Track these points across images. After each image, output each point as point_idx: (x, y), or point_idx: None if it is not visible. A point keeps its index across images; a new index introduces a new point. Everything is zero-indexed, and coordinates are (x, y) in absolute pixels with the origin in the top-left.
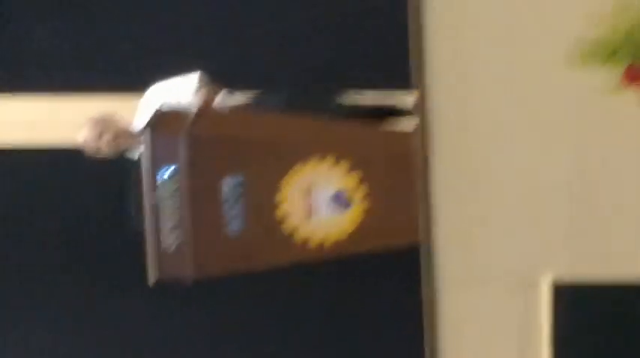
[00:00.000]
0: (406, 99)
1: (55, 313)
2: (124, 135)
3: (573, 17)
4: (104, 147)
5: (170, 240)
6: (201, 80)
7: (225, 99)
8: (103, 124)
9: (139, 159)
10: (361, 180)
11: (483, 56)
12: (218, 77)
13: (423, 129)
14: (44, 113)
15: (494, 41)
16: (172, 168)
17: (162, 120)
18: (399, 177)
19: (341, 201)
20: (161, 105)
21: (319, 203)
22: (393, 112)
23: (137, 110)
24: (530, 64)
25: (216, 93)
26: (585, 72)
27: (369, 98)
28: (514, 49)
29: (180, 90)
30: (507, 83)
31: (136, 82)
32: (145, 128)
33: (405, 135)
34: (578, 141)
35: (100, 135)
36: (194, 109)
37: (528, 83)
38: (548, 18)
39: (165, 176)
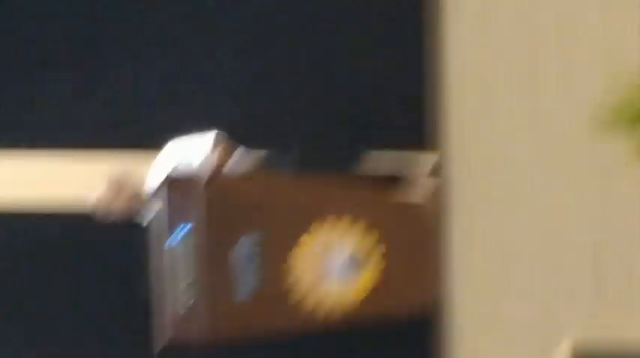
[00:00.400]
0: (424, 159)
1: None
2: (139, 195)
3: (597, 82)
4: (119, 207)
5: (183, 301)
6: (217, 139)
7: (240, 158)
8: (120, 184)
9: (151, 223)
10: (378, 241)
11: (505, 120)
12: (233, 135)
13: (443, 191)
14: (55, 171)
15: (516, 105)
16: (187, 227)
17: (179, 180)
18: (415, 238)
19: (356, 263)
20: (178, 165)
21: (333, 267)
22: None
23: (153, 168)
24: (552, 127)
25: (231, 152)
26: (609, 137)
27: (385, 158)
28: (536, 114)
29: (197, 150)
30: (528, 145)
31: (149, 140)
32: (161, 187)
33: (420, 196)
34: (601, 207)
35: (117, 195)
36: (210, 170)
37: (550, 146)
38: (571, 81)
39: (180, 237)
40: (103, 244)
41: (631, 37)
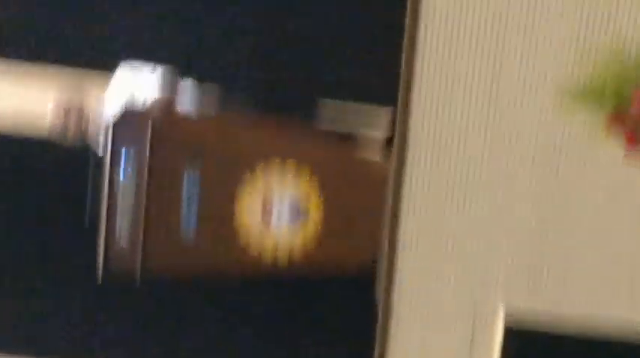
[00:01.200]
0: (381, 115)
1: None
2: (88, 119)
3: (561, 60)
4: (69, 130)
5: (123, 234)
6: (168, 74)
7: (191, 92)
8: (71, 106)
9: (98, 152)
10: (319, 189)
11: (469, 89)
12: (187, 67)
13: (398, 148)
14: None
15: (482, 75)
16: (132, 159)
17: (126, 112)
18: (360, 193)
19: (297, 211)
20: (126, 97)
21: (277, 211)
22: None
23: (105, 93)
24: (514, 102)
25: (179, 88)
26: (569, 114)
27: (342, 109)
28: (500, 86)
29: (147, 82)
30: (490, 116)
31: (101, 61)
32: (109, 119)
33: (373, 153)
34: (555, 181)
35: (67, 117)
36: (157, 103)
37: (511, 120)
38: (537, 57)
39: (123, 169)
40: (53, 167)
41: (602, 12)
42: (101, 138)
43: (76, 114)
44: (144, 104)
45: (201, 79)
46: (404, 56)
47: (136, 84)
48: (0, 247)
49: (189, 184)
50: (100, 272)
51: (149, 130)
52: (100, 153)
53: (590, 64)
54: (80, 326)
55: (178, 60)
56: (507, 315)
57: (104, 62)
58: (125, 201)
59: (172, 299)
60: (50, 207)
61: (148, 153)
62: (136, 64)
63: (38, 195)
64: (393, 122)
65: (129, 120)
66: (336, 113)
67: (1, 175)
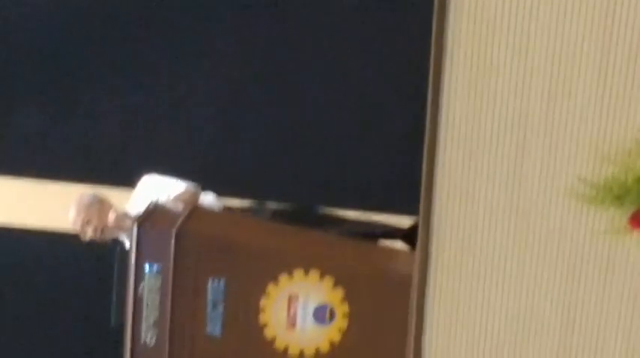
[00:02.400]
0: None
1: None
2: (107, 230)
3: (585, 156)
4: (90, 234)
5: (149, 335)
6: (191, 184)
7: (213, 204)
8: (91, 210)
9: (126, 251)
10: (343, 299)
11: (490, 190)
12: (210, 183)
13: (422, 257)
14: (35, 197)
15: (502, 175)
16: (155, 267)
17: (153, 216)
18: (385, 298)
19: (323, 315)
20: (153, 201)
21: (302, 314)
22: (387, 235)
23: (130, 199)
24: (535, 198)
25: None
26: (591, 212)
27: (366, 221)
28: (520, 182)
29: (170, 191)
30: (511, 215)
31: (127, 178)
32: (135, 221)
33: (396, 258)
34: (574, 280)
35: (87, 222)
36: (185, 208)
37: (531, 217)
38: (558, 157)
39: (151, 271)
40: (82, 267)
41: (625, 109)
42: (128, 236)
43: (95, 216)
44: (166, 218)
45: (221, 191)
46: (424, 165)
47: (158, 193)
48: (26, 343)
49: (213, 291)
50: None
51: (172, 244)
52: (121, 258)
53: (613, 162)
54: None
55: (200, 174)
56: None
57: (125, 177)
58: (150, 311)
59: None
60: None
61: (172, 267)
62: (158, 177)
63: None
64: (413, 231)
65: (151, 234)
66: (361, 223)
67: (26, 272)
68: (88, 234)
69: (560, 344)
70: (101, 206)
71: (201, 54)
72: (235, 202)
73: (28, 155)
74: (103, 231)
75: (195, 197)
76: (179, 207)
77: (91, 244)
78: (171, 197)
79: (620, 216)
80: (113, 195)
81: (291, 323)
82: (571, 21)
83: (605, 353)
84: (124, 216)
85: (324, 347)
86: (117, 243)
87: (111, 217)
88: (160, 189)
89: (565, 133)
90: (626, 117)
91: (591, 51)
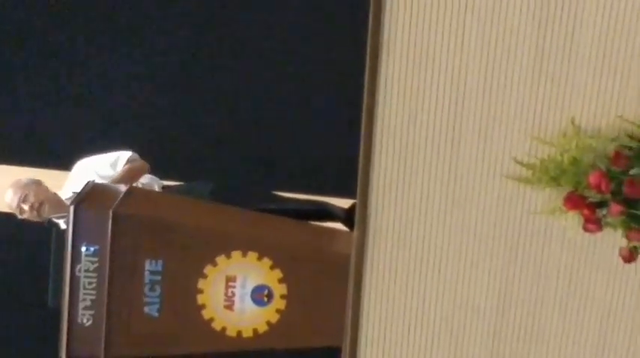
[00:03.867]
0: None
1: None
2: (48, 202)
3: (521, 138)
4: (27, 212)
5: (86, 316)
6: (129, 160)
7: (152, 185)
8: (25, 193)
9: (64, 231)
10: (281, 280)
11: (427, 172)
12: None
13: (359, 238)
14: None
15: (439, 157)
16: (91, 248)
17: (90, 197)
18: (323, 279)
19: (261, 296)
20: (90, 181)
21: (240, 295)
22: (324, 215)
23: (67, 182)
24: (471, 180)
25: (142, 173)
26: (528, 193)
27: (302, 199)
28: (457, 165)
29: (107, 170)
30: (447, 198)
31: (61, 162)
32: (72, 201)
33: (334, 238)
34: (510, 261)
35: (23, 199)
36: (122, 188)
37: (468, 199)
38: (494, 138)
39: (88, 252)
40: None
41: (561, 94)
42: (64, 217)
43: (33, 193)
44: (103, 198)
45: (159, 172)
46: (361, 152)
47: (94, 174)
48: None
49: (151, 272)
50: (63, 351)
51: (109, 225)
52: (57, 239)
53: (549, 143)
54: None
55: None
56: None
57: (59, 161)
58: (87, 293)
59: None
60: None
61: (109, 249)
62: (93, 157)
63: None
64: (353, 211)
65: (88, 215)
66: (300, 204)
67: None
68: (25, 210)
69: (497, 326)
70: (38, 185)
71: (131, 39)
72: (173, 183)
73: None
74: (39, 207)
75: (143, 162)
76: (122, 183)
77: (27, 225)
78: (120, 167)
79: (556, 197)
80: (48, 178)
81: (229, 304)
82: (507, 8)
83: (541, 332)
84: (59, 197)
85: (262, 327)
86: (52, 225)
87: (48, 195)
88: (100, 166)
89: (502, 115)
90: (562, 99)
91: (527, 35)
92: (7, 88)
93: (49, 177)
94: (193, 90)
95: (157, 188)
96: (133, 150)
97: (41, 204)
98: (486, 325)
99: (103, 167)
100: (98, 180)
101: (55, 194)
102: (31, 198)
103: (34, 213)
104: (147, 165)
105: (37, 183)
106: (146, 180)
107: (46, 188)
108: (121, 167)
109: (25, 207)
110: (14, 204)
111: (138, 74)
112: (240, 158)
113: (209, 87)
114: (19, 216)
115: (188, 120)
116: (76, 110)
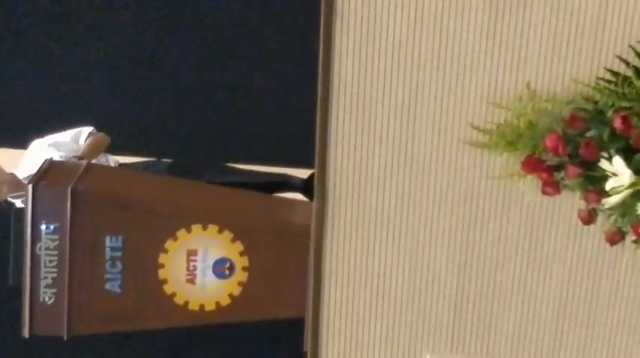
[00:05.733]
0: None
1: None
2: (6, 184)
3: (477, 103)
4: None
5: (47, 294)
6: (87, 136)
7: (108, 163)
8: None
9: (21, 209)
10: (243, 252)
11: (384, 141)
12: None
13: (319, 208)
14: None
15: (396, 125)
16: (51, 226)
17: (48, 174)
18: (284, 250)
19: (223, 269)
20: (47, 159)
21: (201, 269)
22: (283, 186)
23: (22, 162)
24: (429, 147)
25: (106, 142)
26: (485, 158)
27: (261, 171)
28: (414, 132)
29: (66, 146)
30: (405, 165)
31: (19, 139)
32: (30, 179)
33: (294, 209)
34: (470, 226)
35: None
36: (81, 164)
37: (426, 167)
38: (450, 102)
39: (48, 230)
40: None
41: (516, 56)
42: (21, 197)
43: None
44: (61, 176)
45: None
46: (318, 115)
47: (52, 150)
48: None
49: (111, 248)
50: (26, 329)
51: (68, 203)
52: (16, 217)
53: (505, 108)
54: None
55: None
56: None
57: (15, 138)
58: (48, 271)
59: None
60: None
61: (69, 226)
62: (49, 136)
63: None
64: (311, 182)
65: (47, 193)
66: (259, 175)
67: None
68: None
69: (458, 291)
70: None
71: (84, 20)
72: (129, 159)
73: None
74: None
75: (104, 135)
76: (77, 161)
77: None
78: (83, 140)
79: (513, 161)
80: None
81: (191, 278)
82: None
83: (501, 295)
84: (16, 177)
85: (225, 300)
86: (9, 204)
87: (5, 176)
88: (62, 141)
89: (457, 82)
90: (517, 63)
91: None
92: None
93: (2, 156)
94: (144, 65)
95: (112, 165)
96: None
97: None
98: (448, 290)
99: (64, 142)
100: (57, 158)
101: (12, 174)
102: None
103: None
104: (108, 138)
105: None
106: (102, 158)
107: (2, 169)
108: (83, 140)
109: None
110: None
111: (91, 50)
112: (195, 131)
113: (159, 60)
114: None
115: (141, 95)
116: (31, 88)
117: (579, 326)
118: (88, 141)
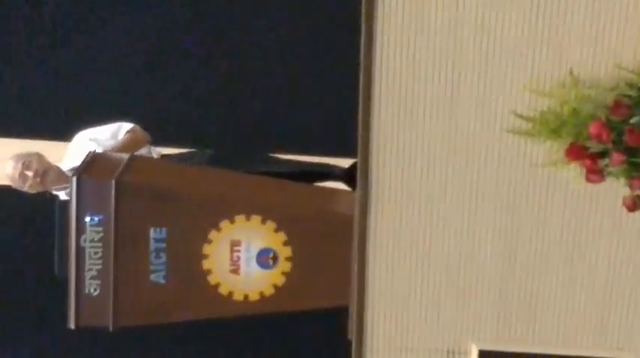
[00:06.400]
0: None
1: None
2: (49, 174)
3: (520, 90)
4: (31, 180)
5: (93, 286)
6: (130, 131)
7: (151, 154)
8: (28, 160)
9: (66, 202)
10: (286, 242)
11: (427, 129)
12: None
13: (362, 198)
14: None
15: (439, 114)
16: (95, 219)
17: (92, 167)
18: (327, 240)
19: (266, 260)
20: (91, 152)
21: (245, 259)
22: (325, 176)
23: (66, 155)
24: (472, 135)
25: (143, 143)
26: (528, 146)
27: (302, 161)
28: (457, 121)
29: (108, 141)
30: (449, 154)
31: (63, 131)
32: (74, 172)
33: (337, 199)
34: (514, 214)
35: (27, 166)
36: (124, 157)
37: (469, 155)
38: (495, 87)
39: (92, 222)
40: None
41: (558, 43)
42: (66, 188)
43: (33, 165)
44: (105, 168)
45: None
46: (360, 104)
47: (95, 144)
48: None
49: (155, 239)
50: (72, 321)
51: (112, 195)
52: (61, 210)
53: (548, 95)
54: None
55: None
56: (480, 353)
57: (59, 132)
58: (93, 262)
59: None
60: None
61: (113, 218)
62: (92, 129)
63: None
64: (353, 171)
65: (91, 185)
66: (301, 165)
67: None
68: (29, 177)
69: (502, 279)
70: (40, 156)
71: (128, 6)
72: (171, 150)
73: None
74: (44, 174)
75: (143, 133)
76: (121, 154)
77: (30, 198)
78: (121, 136)
79: (557, 149)
80: (49, 150)
81: (235, 268)
82: None
83: (547, 283)
84: (60, 168)
85: (269, 290)
86: (54, 196)
87: (51, 164)
88: (101, 136)
89: (499, 69)
90: (560, 50)
91: None
92: (5, 60)
93: (47, 150)
94: (186, 57)
95: (155, 157)
96: (131, 121)
97: (45, 171)
98: (492, 279)
99: (104, 137)
100: (99, 151)
101: (56, 166)
102: (35, 165)
103: (38, 179)
104: (148, 136)
105: (39, 154)
106: (145, 150)
107: (46, 160)
108: (122, 137)
109: (29, 173)
110: (17, 172)
111: (132, 43)
112: (237, 122)
113: (202, 53)
114: (21, 186)
115: (183, 87)
116: (75, 82)
117: (625, 312)
118: (125, 136)
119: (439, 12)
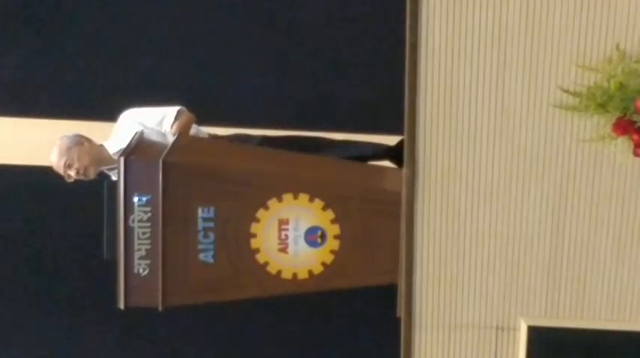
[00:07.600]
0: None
1: (24, 337)
2: (92, 164)
3: (567, 65)
4: (73, 176)
5: (142, 266)
6: (178, 112)
7: (197, 135)
8: (71, 153)
9: (115, 182)
10: (334, 220)
11: (473, 106)
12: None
13: (409, 175)
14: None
15: (485, 90)
16: (144, 199)
17: (139, 147)
18: (375, 218)
19: (315, 238)
20: (138, 132)
21: (293, 238)
22: (372, 154)
23: (112, 134)
24: (518, 111)
25: (191, 124)
26: (575, 121)
27: (349, 140)
28: (503, 97)
29: (156, 121)
30: (495, 130)
31: (107, 112)
32: (121, 153)
33: (384, 176)
34: (562, 190)
35: (68, 165)
36: (172, 137)
37: (516, 131)
38: (541, 63)
39: (141, 202)
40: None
41: (604, 18)
42: (110, 178)
43: (76, 159)
44: (153, 148)
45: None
46: (407, 84)
47: (143, 125)
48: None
49: (204, 219)
50: (121, 301)
51: (160, 175)
52: (109, 191)
53: (595, 70)
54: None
55: (184, 103)
56: (529, 329)
57: (106, 111)
58: (142, 242)
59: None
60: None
61: (161, 198)
62: (139, 109)
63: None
64: (400, 148)
65: (139, 166)
66: (348, 144)
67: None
68: (72, 176)
69: (551, 255)
70: (80, 148)
71: None
72: (221, 131)
73: (7, 92)
74: (85, 171)
75: (189, 115)
76: (168, 135)
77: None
78: (166, 126)
79: (604, 123)
80: (95, 129)
81: (283, 247)
82: None
83: (595, 258)
84: (105, 151)
85: (317, 268)
86: (104, 177)
87: (91, 156)
88: (148, 121)
89: (546, 44)
90: (606, 24)
91: None
92: (53, 42)
93: (94, 129)
94: (234, 38)
95: (202, 135)
96: (177, 101)
97: (85, 168)
98: (541, 254)
99: (150, 125)
100: (146, 134)
101: (100, 148)
102: (75, 164)
103: (81, 176)
104: (193, 118)
105: (79, 145)
106: (192, 130)
107: (89, 147)
108: (167, 126)
109: (72, 173)
110: (60, 170)
111: (177, 23)
112: (286, 100)
113: (250, 33)
114: (67, 180)
115: (227, 68)
116: (121, 62)
117: None
118: (173, 128)
119: None
